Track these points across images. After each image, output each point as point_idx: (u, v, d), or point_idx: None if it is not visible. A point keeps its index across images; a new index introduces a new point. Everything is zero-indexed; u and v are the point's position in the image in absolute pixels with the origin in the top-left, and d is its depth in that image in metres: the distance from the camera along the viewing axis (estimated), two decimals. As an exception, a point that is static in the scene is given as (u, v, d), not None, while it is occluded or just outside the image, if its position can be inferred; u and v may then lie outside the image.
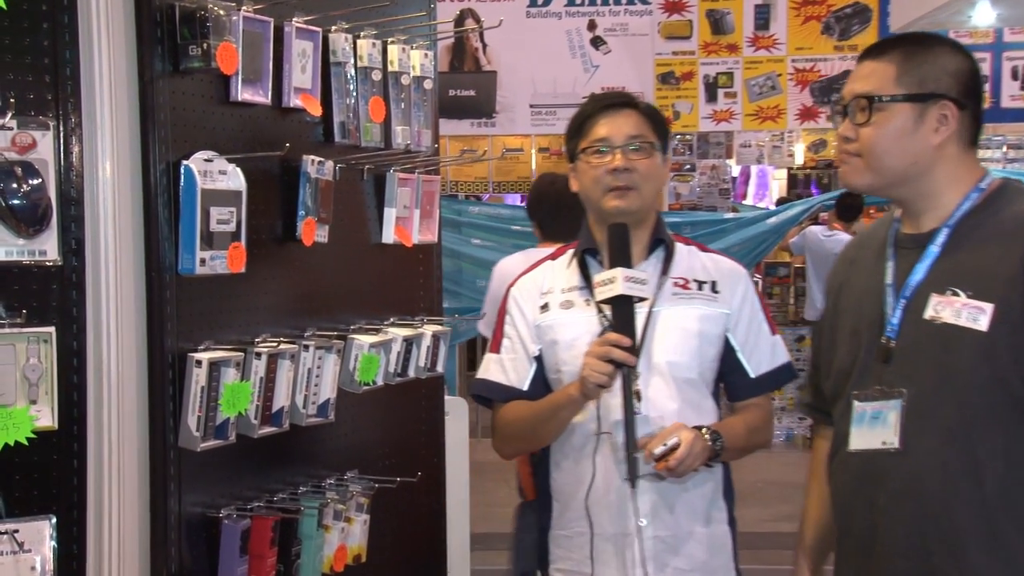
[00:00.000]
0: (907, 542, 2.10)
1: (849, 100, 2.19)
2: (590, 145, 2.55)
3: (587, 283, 2.56)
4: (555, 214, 4.66)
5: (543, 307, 2.61)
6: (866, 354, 2.19)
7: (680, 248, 2.62)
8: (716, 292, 2.58)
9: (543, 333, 2.59)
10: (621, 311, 2.40)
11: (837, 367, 2.28)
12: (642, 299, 2.43)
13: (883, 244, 2.24)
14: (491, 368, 2.67)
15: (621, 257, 2.44)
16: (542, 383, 2.61)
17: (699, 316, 2.54)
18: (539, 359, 2.61)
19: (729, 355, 2.58)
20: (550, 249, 2.83)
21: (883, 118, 2.14)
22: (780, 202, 10.63)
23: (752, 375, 2.59)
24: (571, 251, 2.67)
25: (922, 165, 2.15)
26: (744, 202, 11.63)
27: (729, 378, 2.61)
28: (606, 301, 2.42)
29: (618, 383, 2.37)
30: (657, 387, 2.48)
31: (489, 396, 2.67)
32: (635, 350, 2.37)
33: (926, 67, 2.14)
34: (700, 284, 2.58)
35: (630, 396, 2.35)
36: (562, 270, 2.65)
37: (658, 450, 2.31)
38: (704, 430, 2.40)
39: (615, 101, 2.60)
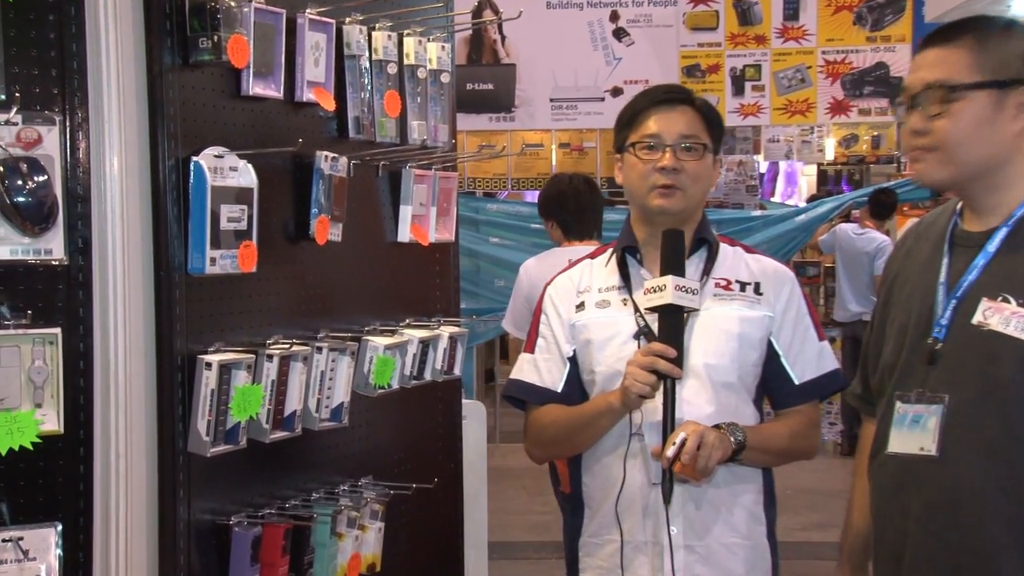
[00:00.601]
0: (937, 554, 2.08)
1: (919, 90, 2.11)
2: (640, 140, 2.53)
3: (625, 282, 2.56)
4: (579, 214, 4.79)
5: (579, 306, 2.60)
6: (910, 353, 2.16)
7: (724, 248, 2.61)
8: (759, 294, 2.55)
9: (577, 332, 2.59)
10: (668, 321, 2.38)
11: (883, 363, 2.25)
12: (693, 310, 2.42)
13: (941, 238, 2.19)
14: (524, 368, 2.67)
15: (674, 265, 2.41)
16: (577, 384, 2.60)
17: (740, 318, 2.52)
18: (573, 360, 2.60)
19: (772, 360, 2.55)
20: (574, 248, 2.84)
21: (959, 108, 2.06)
22: (811, 199, 10.59)
23: (796, 382, 2.56)
24: (610, 249, 2.66)
25: (1001, 157, 2.08)
26: (772, 199, 11.59)
27: (772, 384, 2.58)
28: (653, 309, 2.40)
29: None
30: (693, 390, 2.46)
31: (522, 398, 2.67)
32: (680, 361, 2.36)
33: (1001, 51, 2.07)
34: (743, 285, 2.55)
35: (672, 407, 2.34)
36: (600, 269, 2.64)
37: (669, 451, 2.29)
38: (721, 424, 2.39)
39: (671, 96, 2.57)
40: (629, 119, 2.57)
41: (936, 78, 2.08)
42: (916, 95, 2.11)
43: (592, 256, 2.72)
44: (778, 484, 2.64)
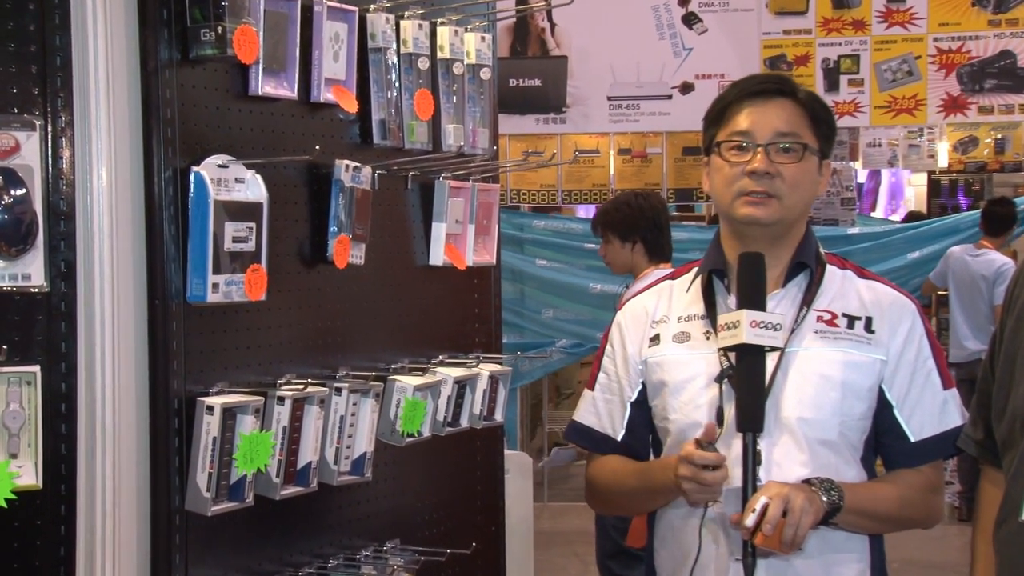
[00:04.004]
0: None
1: None
2: (728, 139, 2.50)
3: (710, 312, 2.52)
4: (668, 231, 5.12)
5: (653, 339, 2.58)
6: None
7: (832, 272, 2.56)
8: (870, 331, 2.50)
9: (650, 371, 2.57)
10: (744, 364, 2.34)
11: (1013, 408, 2.20)
12: (774, 348, 2.38)
13: None
14: (583, 408, 2.69)
15: (752, 295, 2.38)
16: (643, 430, 2.59)
17: (845, 362, 2.46)
18: (638, 404, 2.60)
19: (884, 412, 2.50)
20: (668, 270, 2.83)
21: None
22: (910, 218, 10.48)
23: (912, 439, 2.50)
24: (695, 269, 2.62)
25: None
26: (873, 214, 11.51)
27: (883, 440, 2.52)
28: (730, 349, 2.38)
29: (738, 446, 2.35)
30: (785, 449, 2.43)
31: (579, 444, 2.69)
32: (760, 413, 2.33)
33: None
34: (851, 320, 2.50)
35: (754, 467, 2.31)
36: (681, 294, 2.61)
37: (749, 520, 2.26)
38: (812, 480, 2.37)
39: (767, 87, 2.53)
40: (717, 114, 2.54)
41: None
42: None
43: (673, 276, 2.68)
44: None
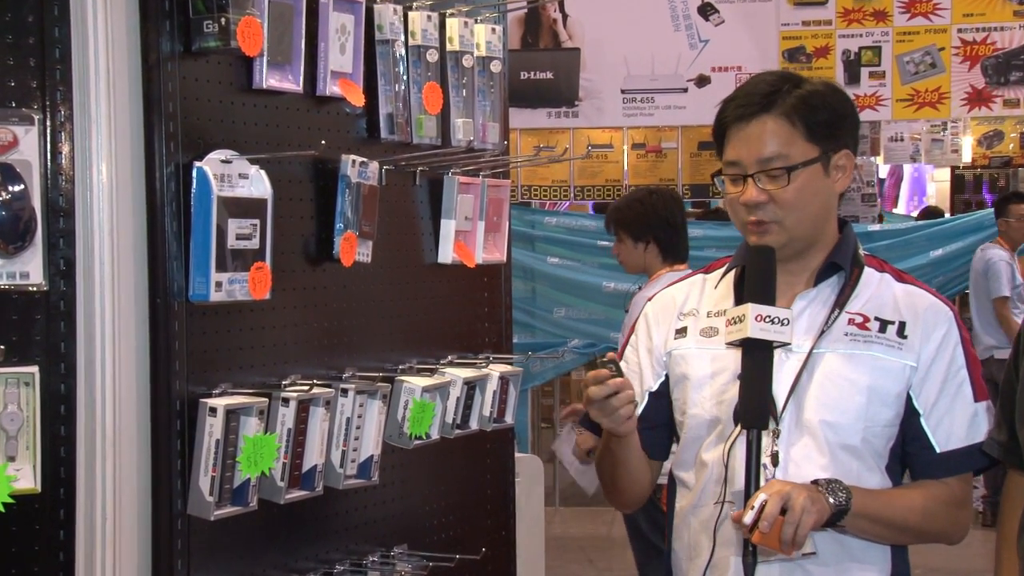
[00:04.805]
0: None
1: None
2: (724, 169, 2.52)
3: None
4: (685, 230, 5.06)
5: (679, 331, 2.60)
6: None
7: (869, 275, 2.55)
8: (903, 337, 2.48)
9: (674, 363, 2.58)
10: (750, 359, 2.35)
11: None
12: (782, 344, 2.38)
13: None
14: None
15: (760, 289, 2.39)
16: (659, 420, 2.60)
17: (873, 366, 2.46)
18: (659, 394, 2.60)
19: (911, 421, 2.48)
20: (681, 273, 2.84)
21: None
22: (926, 214, 10.46)
23: (938, 450, 2.48)
24: (728, 264, 2.63)
25: None
26: (895, 210, 11.50)
27: (909, 449, 2.51)
28: (735, 344, 2.40)
29: (742, 446, 2.35)
30: (804, 451, 2.43)
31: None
32: (764, 410, 2.33)
33: None
34: (884, 324, 2.49)
35: (757, 465, 2.31)
36: (711, 288, 2.62)
37: (747, 517, 2.27)
38: (820, 481, 2.37)
39: (747, 111, 2.49)
40: (717, 136, 2.55)
41: None
42: None
43: (706, 271, 2.69)
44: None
